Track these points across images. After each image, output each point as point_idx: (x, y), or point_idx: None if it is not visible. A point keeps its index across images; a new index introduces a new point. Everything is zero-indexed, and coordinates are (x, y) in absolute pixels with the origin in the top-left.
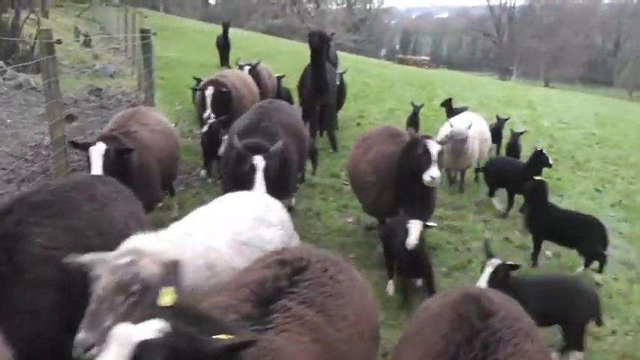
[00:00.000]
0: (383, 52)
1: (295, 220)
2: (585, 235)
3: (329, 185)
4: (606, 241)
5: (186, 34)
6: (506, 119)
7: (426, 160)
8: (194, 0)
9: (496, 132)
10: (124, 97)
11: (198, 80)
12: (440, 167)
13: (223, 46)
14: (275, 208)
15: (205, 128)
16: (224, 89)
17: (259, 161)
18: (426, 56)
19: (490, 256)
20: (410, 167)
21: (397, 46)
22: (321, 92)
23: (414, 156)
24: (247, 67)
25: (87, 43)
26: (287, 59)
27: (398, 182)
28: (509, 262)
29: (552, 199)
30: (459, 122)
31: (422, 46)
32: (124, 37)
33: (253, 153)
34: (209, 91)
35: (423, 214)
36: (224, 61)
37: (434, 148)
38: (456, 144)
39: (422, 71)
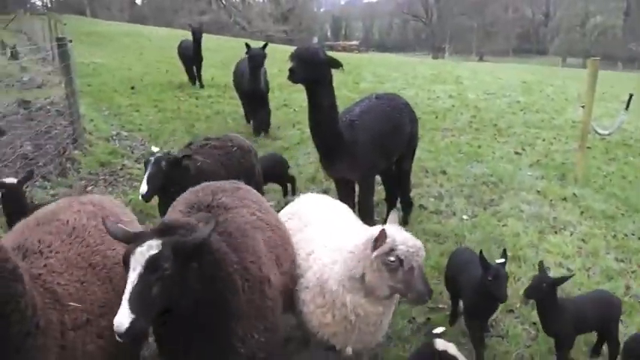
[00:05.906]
0: (315, 40)
1: None
2: None
3: None
4: None
5: (114, 39)
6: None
7: None
8: (121, 1)
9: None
10: (52, 107)
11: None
12: None
13: (193, 58)
14: None
15: None
16: None
17: None
18: (356, 41)
19: None
20: None
21: (329, 33)
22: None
23: None
24: None
25: (14, 55)
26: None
27: None
28: None
29: (473, 165)
30: None
31: (354, 31)
32: (51, 46)
33: None
34: None
35: None
36: (193, 75)
37: None
38: None
39: (351, 56)
